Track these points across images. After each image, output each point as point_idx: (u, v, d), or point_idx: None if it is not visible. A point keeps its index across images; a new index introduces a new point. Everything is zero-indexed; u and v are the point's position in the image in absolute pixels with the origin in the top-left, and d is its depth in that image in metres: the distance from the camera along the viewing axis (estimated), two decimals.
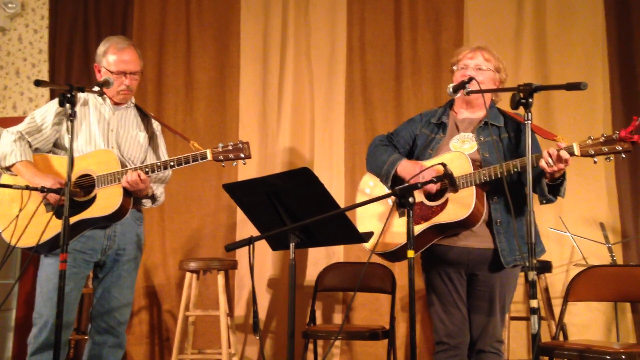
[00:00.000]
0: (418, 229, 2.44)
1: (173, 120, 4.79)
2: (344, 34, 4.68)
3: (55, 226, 2.59)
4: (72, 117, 2.39)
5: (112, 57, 2.83)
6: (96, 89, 2.65)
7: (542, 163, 2.27)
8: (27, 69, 5.31)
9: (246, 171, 4.60)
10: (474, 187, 2.39)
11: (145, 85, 4.87)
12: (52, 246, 2.68)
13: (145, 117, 3.04)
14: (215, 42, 4.88)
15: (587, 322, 3.99)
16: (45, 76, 5.18)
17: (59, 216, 2.53)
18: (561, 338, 3.35)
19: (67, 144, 2.76)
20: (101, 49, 2.88)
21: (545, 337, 3.75)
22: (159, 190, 3.00)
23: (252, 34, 4.84)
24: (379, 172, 2.63)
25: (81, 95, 2.82)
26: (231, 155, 2.75)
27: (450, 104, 2.73)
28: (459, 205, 2.39)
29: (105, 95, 2.86)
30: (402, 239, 2.40)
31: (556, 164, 2.25)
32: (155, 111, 4.81)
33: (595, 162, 2.26)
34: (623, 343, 3.67)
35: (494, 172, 2.36)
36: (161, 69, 4.91)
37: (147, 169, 2.71)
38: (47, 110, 2.83)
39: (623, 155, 2.22)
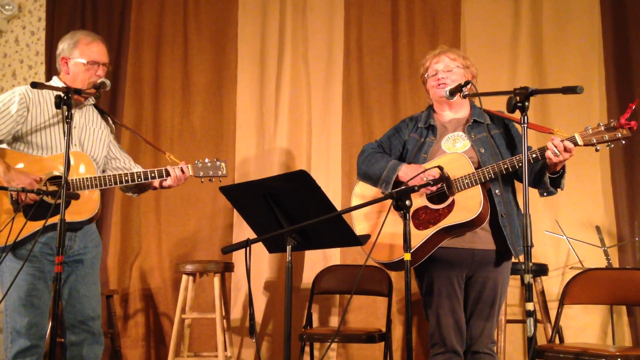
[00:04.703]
0: (427, 233, 2.44)
1: (170, 123, 4.79)
2: (341, 37, 4.68)
3: (16, 230, 2.54)
4: (68, 119, 2.38)
5: (85, 48, 2.82)
6: (92, 90, 2.65)
7: (549, 154, 2.33)
8: (23, 71, 5.30)
9: (243, 173, 4.60)
10: (480, 185, 2.41)
11: (142, 88, 4.86)
12: (14, 248, 2.61)
13: (103, 115, 3.01)
14: (213, 44, 4.88)
15: (583, 325, 4.00)
16: (42, 78, 5.17)
17: (30, 218, 2.51)
18: (557, 341, 3.35)
19: (29, 138, 2.71)
20: (69, 41, 2.85)
21: (541, 340, 3.75)
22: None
23: (250, 36, 4.85)
24: (377, 178, 2.61)
25: (40, 92, 2.78)
26: (210, 172, 2.94)
27: (432, 107, 2.75)
28: (467, 205, 2.41)
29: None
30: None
31: (562, 154, 2.31)
32: (152, 113, 4.81)
33: (597, 150, 2.34)
34: (619, 346, 3.68)
35: (499, 169, 2.39)
36: (158, 71, 4.91)
37: (127, 178, 2.74)
38: (10, 101, 2.71)
39: (623, 142, 2.30)
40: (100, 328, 2.85)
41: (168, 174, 2.83)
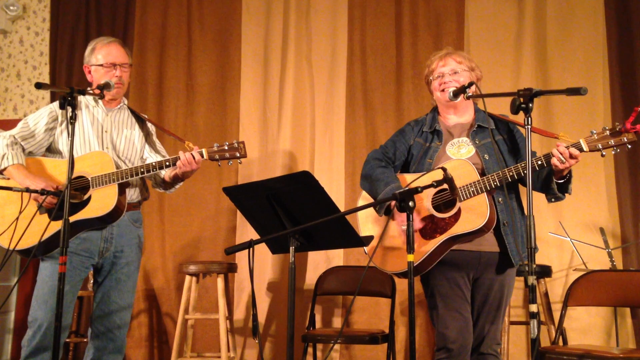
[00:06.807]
0: (435, 242, 2.43)
1: (174, 123, 4.80)
2: (344, 38, 4.68)
3: (49, 228, 2.58)
4: (72, 119, 2.39)
5: (101, 51, 2.87)
6: (96, 91, 2.66)
7: (555, 161, 2.31)
8: (28, 71, 5.32)
9: (246, 174, 4.61)
10: (485, 193, 2.40)
11: (146, 88, 4.87)
12: (46, 248, 2.67)
13: (138, 118, 3.04)
14: (216, 45, 4.89)
15: (586, 327, 3.99)
16: (46, 79, 5.19)
17: (53, 218, 2.52)
18: (561, 343, 3.35)
19: (60, 148, 2.82)
20: (88, 49, 2.93)
21: (545, 342, 3.75)
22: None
23: (253, 37, 4.85)
24: (373, 197, 2.61)
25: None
26: (227, 155, 2.80)
27: (437, 109, 2.73)
28: (474, 213, 2.38)
29: (97, 98, 2.87)
30: (419, 257, 2.41)
31: (568, 160, 2.29)
32: (156, 114, 4.82)
33: (603, 155, 2.30)
34: (622, 348, 3.67)
35: (504, 176, 2.37)
36: (162, 71, 4.92)
37: (142, 169, 2.73)
38: (40, 115, 2.83)
39: (629, 146, 2.28)
40: (124, 338, 2.86)
41: (174, 163, 2.78)
